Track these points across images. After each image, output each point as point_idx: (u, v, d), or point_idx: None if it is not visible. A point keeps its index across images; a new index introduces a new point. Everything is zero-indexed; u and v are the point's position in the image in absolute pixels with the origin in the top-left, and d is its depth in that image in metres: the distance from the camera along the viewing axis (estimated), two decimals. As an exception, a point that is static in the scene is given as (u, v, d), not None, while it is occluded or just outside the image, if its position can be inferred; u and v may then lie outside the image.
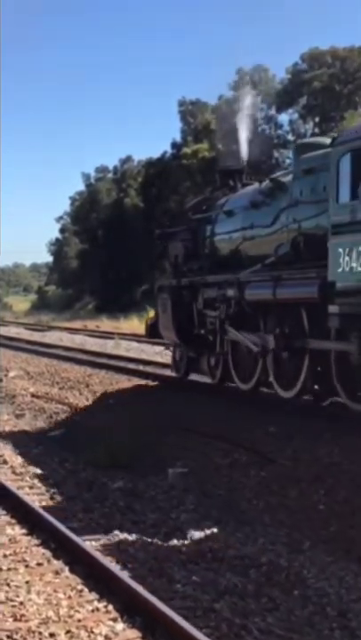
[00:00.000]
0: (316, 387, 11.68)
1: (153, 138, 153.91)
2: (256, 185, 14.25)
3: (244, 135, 17.67)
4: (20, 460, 11.98)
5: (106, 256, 58.20)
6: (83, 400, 16.18)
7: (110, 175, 72.60)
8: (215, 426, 12.05)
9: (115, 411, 14.68)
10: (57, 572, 7.16)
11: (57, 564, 7.39)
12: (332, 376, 10.86)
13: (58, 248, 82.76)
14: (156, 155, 58.79)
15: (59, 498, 9.70)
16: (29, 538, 8.14)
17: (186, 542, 7.99)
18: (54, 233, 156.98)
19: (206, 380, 15.12)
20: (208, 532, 8.24)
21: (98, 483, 10.43)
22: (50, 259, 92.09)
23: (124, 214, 57.66)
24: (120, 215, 58.34)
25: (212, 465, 10.41)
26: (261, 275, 12.79)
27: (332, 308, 10.43)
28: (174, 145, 55.72)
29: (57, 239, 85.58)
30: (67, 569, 7.22)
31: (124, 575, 6.79)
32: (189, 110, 55.21)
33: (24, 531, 8.39)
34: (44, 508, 9.11)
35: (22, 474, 11.04)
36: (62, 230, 79.35)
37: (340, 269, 10.30)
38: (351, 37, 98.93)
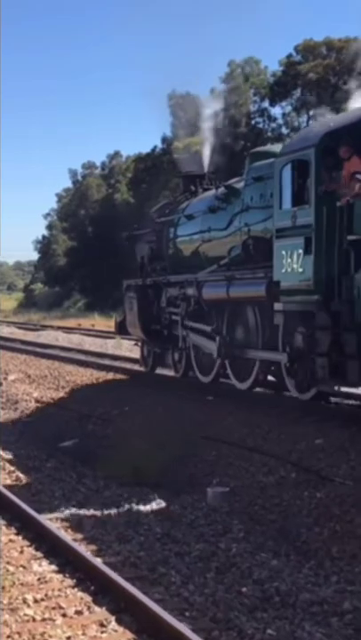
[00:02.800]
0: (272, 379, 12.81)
1: (141, 133, 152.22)
2: (213, 190, 15.08)
3: (207, 142, 18.36)
4: (33, 476, 10.80)
5: (96, 253, 56.87)
6: (93, 406, 14.96)
7: (98, 171, 71.25)
8: (247, 435, 10.90)
9: (131, 418, 13.49)
10: (102, 624, 5.98)
11: (100, 612, 6.21)
12: (281, 370, 11.89)
13: (45, 245, 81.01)
14: (145, 150, 57.55)
15: (86, 522, 8.50)
16: (62, 577, 6.96)
17: (245, 581, 6.82)
18: (39, 230, 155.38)
19: (204, 379, 14.83)
20: (268, 567, 7.07)
21: (127, 504, 9.23)
22: (35, 256, 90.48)
23: (115, 210, 56.33)
24: (110, 211, 57.01)
25: (255, 483, 9.23)
26: (217, 275, 13.74)
27: (278, 306, 11.42)
28: (164, 139, 54.43)
29: (44, 236, 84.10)
30: (113, 619, 6.05)
31: (187, 630, 5.60)
32: (180, 104, 53.86)
33: (54, 567, 7.21)
34: (71, 536, 7.95)
35: (39, 493, 9.84)
36: (50, 227, 77.72)
37: (283, 270, 11.24)
38: (346, 28, 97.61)
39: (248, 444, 10.41)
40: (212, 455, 10.54)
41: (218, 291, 13.49)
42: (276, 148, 12.98)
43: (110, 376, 17.70)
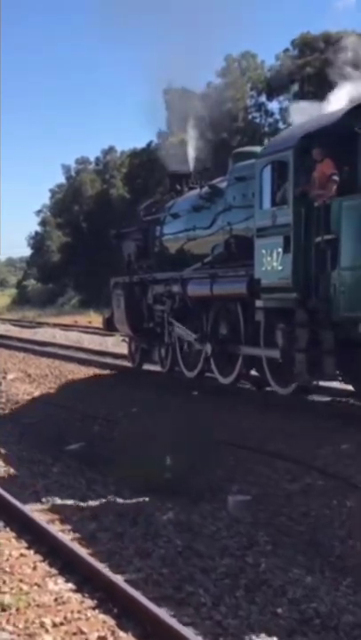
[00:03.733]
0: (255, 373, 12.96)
1: (136, 128, 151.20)
2: (198, 190, 15.35)
3: (192, 141, 18.44)
4: (40, 482, 10.27)
5: (91, 249, 56.24)
6: (97, 406, 14.42)
7: (92, 167, 70.57)
8: (265, 439, 10.38)
9: (139, 419, 12.96)
10: (131, 654, 5.45)
11: (126, 638, 5.69)
12: (263, 365, 12.23)
13: (38, 242, 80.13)
14: (140, 145, 56.91)
15: (102, 537, 7.96)
16: (81, 597, 6.44)
17: (279, 601, 6.30)
18: (32, 227, 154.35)
19: (219, 377, 14.08)
20: (303, 585, 6.55)
21: (143, 513, 8.70)
22: (27, 253, 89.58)
23: (110, 206, 55.73)
24: (105, 207, 56.40)
25: (279, 491, 8.71)
26: (201, 272, 14.01)
27: (259, 303, 11.77)
28: (160, 134, 53.76)
29: (37, 232, 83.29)
30: (142, 647, 5.53)
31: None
32: (176, 99, 53.22)
33: (71, 586, 6.68)
34: (87, 550, 7.42)
35: (48, 502, 9.30)
36: (43, 223, 76.86)
37: (263, 268, 11.54)
38: (343, 22, 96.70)
39: (268, 449, 9.87)
40: (229, 460, 10.02)
41: (202, 288, 13.75)
42: (258, 148, 13.29)
43: (113, 375, 17.14)
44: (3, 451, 12.24)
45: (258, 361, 12.46)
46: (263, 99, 48.55)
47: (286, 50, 47.07)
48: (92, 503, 9.25)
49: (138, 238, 17.45)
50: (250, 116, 48.23)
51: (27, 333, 30.97)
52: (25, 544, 7.78)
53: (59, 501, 9.26)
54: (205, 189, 14.75)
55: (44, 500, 9.39)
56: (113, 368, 17.99)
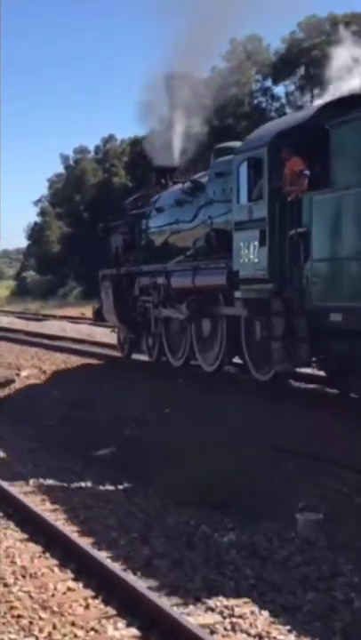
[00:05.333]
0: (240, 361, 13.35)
1: (137, 116, 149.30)
2: (180, 185, 15.68)
3: (178, 132, 18.67)
4: (75, 496, 9.24)
5: (92, 239, 55.00)
6: (124, 406, 13.38)
7: (91, 155, 69.32)
8: (324, 445, 9.32)
9: (174, 420, 11.93)
10: None
11: None
12: (243, 352, 12.78)
13: (37, 232, 78.78)
14: (142, 133, 55.58)
15: (159, 565, 6.92)
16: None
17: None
18: (28, 217, 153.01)
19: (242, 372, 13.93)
20: None
21: (198, 534, 7.66)
22: (22, 244, 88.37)
23: (112, 195, 54.50)
24: (107, 196, 55.19)
25: (354, 508, 7.67)
26: (183, 265, 14.42)
27: (237, 294, 12.27)
28: (162, 121, 52.55)
29: (35, 223, 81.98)
30: None
31: None
32: (177, 85, 51.95)
33: (134, 632, 5.70)
34: (146, 584, 6.40)
35: (88, 520, 8.26)
36: (42, 214, 75.60)
37: (241, 260, 12.03)
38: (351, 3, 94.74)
39: (331, 457, 8.82)
40: (288, 469, 8.96)
41: (184, 280, 14.15)
42: (238, 144, 13.38)
43: (135, 371, 16.09)
44: (27, 457, 11.19)
45: (239, 349, 12.95)
46: (269, 83, 47.34)
47: (293, 32, 45.87)
48: (137, 521, 8.20)
49: (125, 232, 17.80)
50: (255, 101, 47.04)
51: (34, 326, 29.80)
52: (71, 574, 6.76)
53: (101, 521, 8.20)
54: (188, 184, 15.13)
55: (82, 516, 8.36)
56: (135, 365, 16.90)
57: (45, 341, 22.88)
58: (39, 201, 78.82)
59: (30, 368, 18.08)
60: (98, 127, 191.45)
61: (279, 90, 47.15)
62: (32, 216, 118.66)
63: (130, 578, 6.47)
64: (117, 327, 18.07)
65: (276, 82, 46.88)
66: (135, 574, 6.69)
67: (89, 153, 70.88)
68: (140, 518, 8.35)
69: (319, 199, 10.65)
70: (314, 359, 11.44)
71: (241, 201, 12.21)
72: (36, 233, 79.42)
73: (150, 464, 10.28)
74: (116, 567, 6.69)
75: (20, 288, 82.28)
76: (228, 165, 13.03)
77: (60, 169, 72.54)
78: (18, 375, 17.54)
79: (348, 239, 10.07)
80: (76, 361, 18.13)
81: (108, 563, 6.76)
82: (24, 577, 6.72)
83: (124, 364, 17.22)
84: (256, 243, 11.67)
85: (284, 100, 47.21)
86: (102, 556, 6.98)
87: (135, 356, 17.37)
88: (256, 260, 11.70)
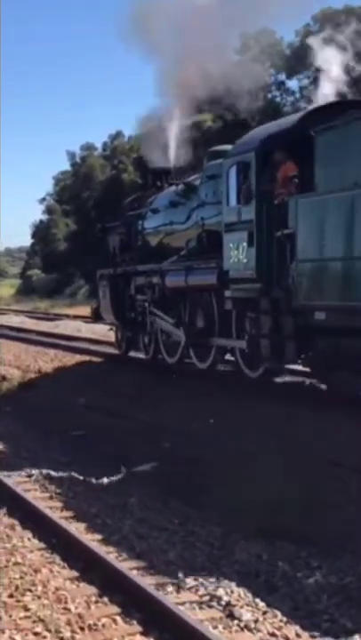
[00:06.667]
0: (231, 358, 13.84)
1: (145, 112, 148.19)
2: (174, 187, 16.17)
3: (172, 136, 18.62)
4: (122, 521, 8.20)
5: (100, 236, 53.88)
6: (161, 415, 12.35)
7: (98, 152, 68.32)
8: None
9: (219, 433, 10.88)
10: None
11: None
12: (235, 352, 13.38)
13: (42, 230, 77.61)
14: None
15: (240, 614, 5.86)
16: None
17: None
18: (32, 215, 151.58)
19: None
20: None
21: (278, 573, 6.61)
22: (25, 243, 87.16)
23: (121, 192, 53.40)
24: (116, 192, 54.10)
25: None
26: (177, 265, 14.95)
27: (227, 293, 12.80)
28: (169, 116, 51.49)
29: (41, 221, 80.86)
30: None
31: None
32: (188, 80, 50.90)
33: None
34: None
35: (144, 554, 7.22)
36: (49, 211, 74.38)
37: (231, 261, 12.57)
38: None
39: None
40: (357, 489, 7.92)
41: (178, 279, 14.71)
42: (230, 147, 13.70)
43: (167, 376, 15.06)
44: (59, 474, 10.13)
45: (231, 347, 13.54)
46: (283, 77, 46.23)
47: (307, 25, 44.79)
48: (201, 556, 7.16)
49: (122, 232, 18.29)
50: (270, 95, 45.95)
51: (46, 326, 28.78)
52: (138, 626, 5.72)
53: (160, 555, 7.15)
54: (181, 186, 15.67)
55: (138, 549, 7.31)
56: (165, 369, 15.83)
57: (63, 342, 21.87)
58: (44, 199, 77.97)
59: (52, 370, 17.02)
60: (105, 124, 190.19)
61: (293, 84, 46.05)
62: (37, 214, 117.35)
63: (214, 635, 5.42)
64: (115, 326, 18.70)
65: (290, 76, 45.76)
66: (215, 627, 5.64)
67: (96, 150, 69.89)
68: (204, 551, 7.30)
69: (304, 202, 11.14)
70: (303, 356, 11.81)
71: (230, 203, 12.78)
72: (41, 231, 78.44)
73: (199, 482, 9.23)
74: (193, 619, 5.63)
75: (25, 286, 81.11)
76: (219, 168, 13.47)
77: (66, 166, 71.62)
78: (37, 378, 16.49)
79: (331, 241, 10.54)
80: (97, 362, 17.07)
81: (183, 614, 5.71)
82: (82, 629, 5.68)
83: (150, 367, 16.23)
84: (245, 244, 12.19)
85: (298, 95, 46.02)
86: (172, 602, 5.94)
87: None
88: (245, 261, 12.24)
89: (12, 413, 14.50)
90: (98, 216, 56.71)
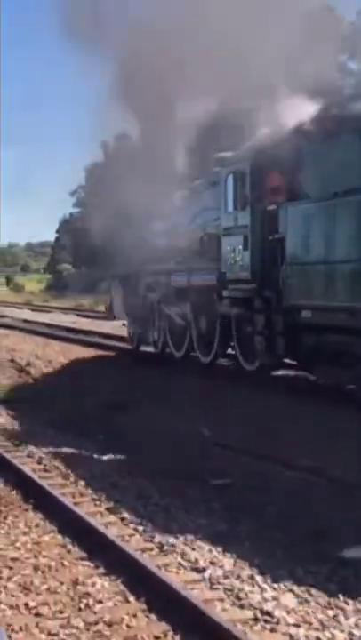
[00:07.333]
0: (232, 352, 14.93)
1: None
2: (179, 192, 17.49)
3: (180, 140, 19.68)
4: (213, 551, 6.55)
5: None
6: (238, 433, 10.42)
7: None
8: None
9: (301, 449, 9.32)
10: None
11: None
12: (234, 345, 14.57)
13: (75, 223, 75.27)
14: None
15: None
16: None
17: None
18: (50, 210, 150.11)
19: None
20: None
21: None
22: (45, 237, 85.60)
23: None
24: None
25: None
26: (181, 265, 16.39)
27: (225, 292, 14.28)
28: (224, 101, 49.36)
29: (71, 214, 79.22)
30: None
31: None
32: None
33: None
34: None
35: (245, 597, 5.37)
36: (83, 204, 71.81)
37: (228, 263, 14.09)
38: None
39: None
40: None
41: (182, 279, 16.16)
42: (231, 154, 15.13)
43: (237, 383, 13.75)
44: (125, 498, 8.20)
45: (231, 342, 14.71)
46: (344, 58, 43.96)
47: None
48: (312, 600, 5.43)
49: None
50: (330, 77, 43.78)
51: (107, 327, 25.31)
52: None
53: (286, 619, 5.05)
54: (186, 191, 17.18)
55: (228, 585, 5.68)
56: (234, 374, 14.43)
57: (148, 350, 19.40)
58: (76, 191, 75.72)
59: (145, 386, 14.54)
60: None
61: (355, 65, 43.77)
62: (68, 207, 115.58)
63: None
64: (127, 322, 20.27)
65: (351, 57, 43.49)
66: None
67: (131, 139, 67.60)
68: (315, 593, 5.51)
69: (292, 209, 12.42)
70: (292, 351, 12.78)
71: (228, 209, 14.15)
72: (72, 224, 76.38)
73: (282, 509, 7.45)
74: None
75: (56, 282, 79.65)
76: (218, 175, 14.84)
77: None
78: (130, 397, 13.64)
79: (315, 246, 11.79)
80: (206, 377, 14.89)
81: None
82: None
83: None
84: (240, 247, 13.51)
85: None
86: None
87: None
88: (241, 263, 13.53)
89: (109, 445, 10.84)
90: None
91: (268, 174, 13.14)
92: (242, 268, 13.44)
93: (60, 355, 19.43)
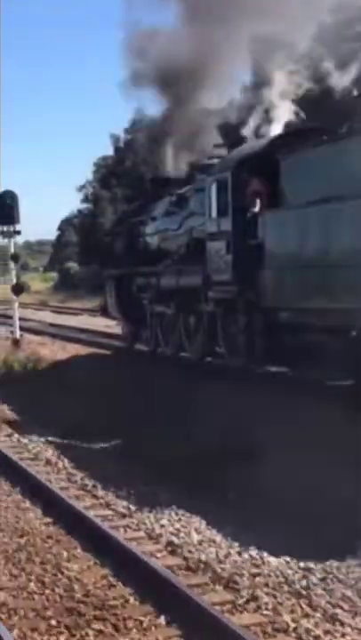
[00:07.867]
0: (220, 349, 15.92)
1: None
2: (169, 197, 19.11)
3: (170, 145, 21.62)
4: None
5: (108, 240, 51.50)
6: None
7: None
8: None
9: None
10: None
11: None
12: (220, 344, 15.60)
13: (87, 220, 73.80)
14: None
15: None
16: None
17: None
18: (48, 208, 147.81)
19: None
20: None
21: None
22: (44, 236, 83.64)
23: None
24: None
25: None
26: (170, 268, 17.91)
27: (210, 294, 15.50)
28: (245, 89, 49.23)
29: (79, 211, 77.86)
30: None
31: None
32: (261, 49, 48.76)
33: None
34: None
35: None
36: (94, 200, 71.31)
37: (213, 266, 15.26)
38: None
39: None
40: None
41: (171, 281, 17.61)
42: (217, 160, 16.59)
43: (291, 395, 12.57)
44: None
45: (217, 341, 15.77)
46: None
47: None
48: None
49: (126, 237, 21.22)
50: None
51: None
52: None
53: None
54: (175, 197, 18.44)
55: None
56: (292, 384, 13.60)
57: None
58: (83, 186, 74.97)
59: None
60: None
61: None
62: (75, 203, 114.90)
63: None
64: (121, 321, 22.01)
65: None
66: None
67: (141, 132, 67.59)
68: None
69: (271, 216, 13.60)
70: (271, 349, 13.73)
71: (212, 215, 15.39)
72: (83, 221, 74.95)
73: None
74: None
75: (66, 280, 77.56)
76: (204, 183, 16.04)
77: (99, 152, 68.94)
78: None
79: (290, 251, 12.87)
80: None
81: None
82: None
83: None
84: (223, 251, 14.76)
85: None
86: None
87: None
88: (224, 266, 14.79)
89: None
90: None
91: (248, 183, 14.23)
92: (225, 271, 14.67)
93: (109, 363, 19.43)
